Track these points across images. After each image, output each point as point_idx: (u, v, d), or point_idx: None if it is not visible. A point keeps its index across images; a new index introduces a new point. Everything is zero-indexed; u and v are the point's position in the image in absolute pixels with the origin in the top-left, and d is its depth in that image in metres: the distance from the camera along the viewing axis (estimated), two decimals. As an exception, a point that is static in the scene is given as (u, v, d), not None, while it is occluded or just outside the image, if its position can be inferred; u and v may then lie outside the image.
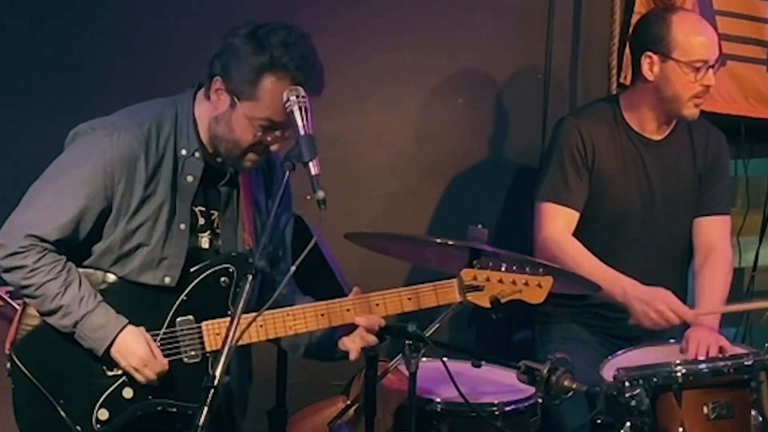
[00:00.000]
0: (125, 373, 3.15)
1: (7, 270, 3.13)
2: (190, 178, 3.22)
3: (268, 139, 3.16)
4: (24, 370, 3.16)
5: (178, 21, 4.23)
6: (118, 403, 3.16)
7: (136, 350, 3.13)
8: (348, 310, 3.22)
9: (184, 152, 3.21)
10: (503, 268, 3.25)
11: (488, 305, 3.25)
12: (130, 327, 3.14)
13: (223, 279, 3.23)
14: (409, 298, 3.25)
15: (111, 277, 3.19)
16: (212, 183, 3.28)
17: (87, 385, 3.16)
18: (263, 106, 3.11)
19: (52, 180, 3.17)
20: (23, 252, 3.09)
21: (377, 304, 3.24)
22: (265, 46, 3.09)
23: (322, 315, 3.22)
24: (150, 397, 3.18)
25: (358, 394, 3.52)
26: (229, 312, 3.20)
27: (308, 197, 2.97)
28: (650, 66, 4.03)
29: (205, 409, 2.69)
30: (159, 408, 3.18)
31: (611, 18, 4.89)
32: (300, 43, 3.12)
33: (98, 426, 3.15)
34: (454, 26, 4.69)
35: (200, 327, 3.20)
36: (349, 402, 3.62)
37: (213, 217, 3.29)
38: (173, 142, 3.20)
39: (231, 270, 3.23)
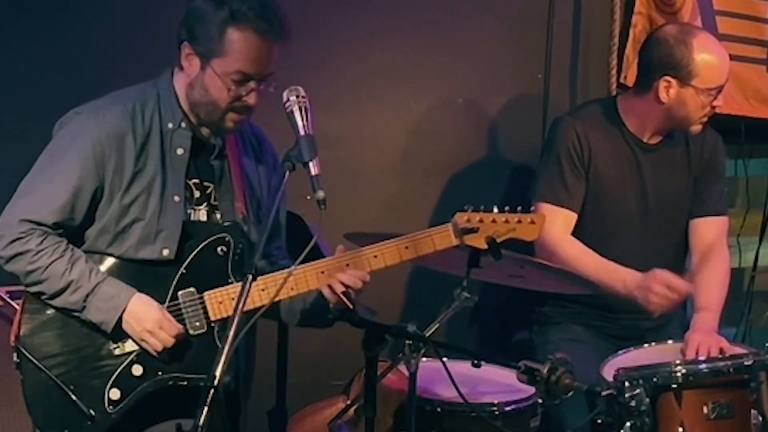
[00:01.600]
0: (137, 344, 3.17)
1: (10, 258, 3.15)
2: (180, 151, 3.25)
3: (243, 93, 3.19)
4: (32, 359, 3.18)
5: (179, 21, 4.22)
6: (128, 381, 3.18)
7: (149, 314, 3.16)
8: (347, 265, 3.23)
9: (170, 125, 3.25)
10: (495, 210, 3.27)
11: (485, 246, 3.26)
12: (140, 294, 3.18)
13: (220, 248, 3.25)
14: (407, 247, 3.25)
15: (109, 259, 3.22)
16: (203, 157, 3.31)
17: (96, 367, 3.19)
18: (232, 60, 3.16)
19: (44, 167, 3.21)
20: (24, 237, 3.13)
21: (375, 257, 3.24)
22: (224, 2, 3.16)
23: (322, 272, 3.23)
24: (160, 372, 3.20)
25: (358, 394, 3.52)
26: (230, 280, 3.23)
27: (308, 197, 2.98)
28: (667, 89, 4.00)
29: (205, 409, 2.68)
30: (170, 383, 3.20)
31: (611, 18, 4.89)
32: None
33: (111, 407, 3.17)
34: (454, 26, 4.69)
35: (202, 297, 3.22)
36: (349, 402, 3.62)
37: (209, 190, 3.32)
38: (158, 117, 3.25)
39: (227, 239, 3.26)
